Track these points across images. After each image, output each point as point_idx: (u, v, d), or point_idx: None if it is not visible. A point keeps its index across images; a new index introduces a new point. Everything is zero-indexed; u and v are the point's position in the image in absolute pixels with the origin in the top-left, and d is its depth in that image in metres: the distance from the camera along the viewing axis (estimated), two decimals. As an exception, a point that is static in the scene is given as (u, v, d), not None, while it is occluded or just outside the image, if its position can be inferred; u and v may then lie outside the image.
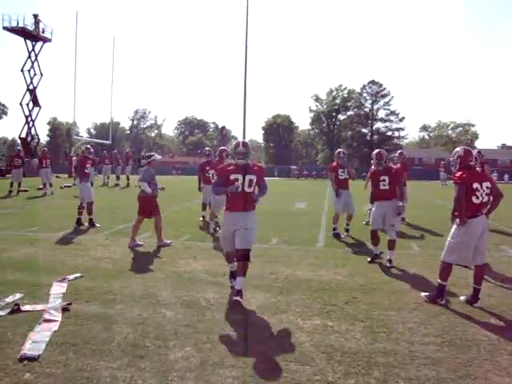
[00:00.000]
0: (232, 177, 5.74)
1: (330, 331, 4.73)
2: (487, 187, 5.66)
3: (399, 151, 13.48)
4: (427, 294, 5.85)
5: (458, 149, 6.00)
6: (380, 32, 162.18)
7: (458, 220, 5.59)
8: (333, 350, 4.26)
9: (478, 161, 10.62)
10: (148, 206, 9.20)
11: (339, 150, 11.24)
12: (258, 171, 5.91)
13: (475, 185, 5.59)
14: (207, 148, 13.30)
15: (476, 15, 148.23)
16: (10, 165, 21.77)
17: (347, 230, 10.54)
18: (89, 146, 12.09)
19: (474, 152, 12.02)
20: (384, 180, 7.89)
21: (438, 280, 5.78)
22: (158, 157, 9.55)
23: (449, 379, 3.76)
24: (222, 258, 7.87)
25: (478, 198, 5.58)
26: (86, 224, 11.19)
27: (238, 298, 5.47)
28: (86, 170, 11.47)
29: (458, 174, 5.67)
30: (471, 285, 5.78)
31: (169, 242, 9.32)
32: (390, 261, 7.59)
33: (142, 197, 9.18)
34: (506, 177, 50.44)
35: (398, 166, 12.37)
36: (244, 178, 5.75)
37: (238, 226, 5.73)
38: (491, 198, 5.78)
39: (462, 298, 5.84)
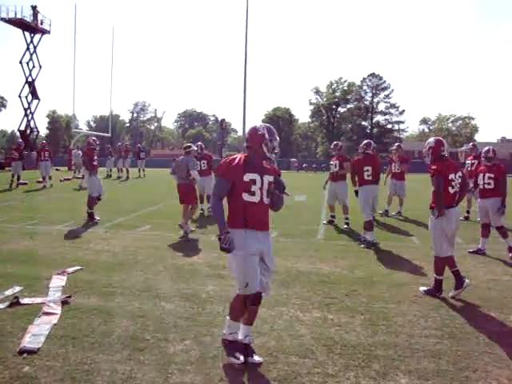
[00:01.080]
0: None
1: (330, 324, 4.73)
2: (460, 176, 5.76)
3: (397, 144, 13.43)
4: (425, 288, 5.86)
5: (430, 139, 6.02)
6: (380, 25, 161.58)
7: (435, 211, 5.63)
8: (333, 343, 4.26)
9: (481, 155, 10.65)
10: (188, 194, 9.67)
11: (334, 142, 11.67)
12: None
13: (451, 176, 5.67)
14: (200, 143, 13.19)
15: (477, 8, 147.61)
16: (9, 157, 21.69)
17: (347, 224, 10.54)
18: (95, 138, 11.99)
19: (470, 145, 12.15)
20: (368, 170, 8.86)
21: (435, 275, 5.80)
22: (194, 148, 10.32)
23: (449, 371, 3.76)
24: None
25: (453, 187, 5.68)
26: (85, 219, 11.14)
27: (259, 359, 3.94)
28: (94, 163, 11.40)
29: (434, 166, 5.69)
30: (433, 276, 5.85)
31: (192, 228, 9.82)
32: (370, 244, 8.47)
33: (183, 185, 9.63)
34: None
35: (396, 158, 12.40)
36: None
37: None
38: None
39: (421, 288, 5.89)
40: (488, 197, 7.87)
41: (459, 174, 5.79)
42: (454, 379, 3.64)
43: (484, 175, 8.01)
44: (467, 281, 5.66)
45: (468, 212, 12.02)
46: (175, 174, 9.80)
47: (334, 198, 11.07)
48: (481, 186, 8.05)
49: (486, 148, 8.17)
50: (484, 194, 7.98)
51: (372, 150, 9.06)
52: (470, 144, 12.61)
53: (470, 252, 7.99)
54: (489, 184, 7.89)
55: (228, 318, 4.09)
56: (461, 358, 4.00)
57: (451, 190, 5.67)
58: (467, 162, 12.01)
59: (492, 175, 7.88)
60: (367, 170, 8.87)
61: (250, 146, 3.94)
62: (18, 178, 20.22)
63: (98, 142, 11.90)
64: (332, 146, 11.44)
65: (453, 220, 5.68)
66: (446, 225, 5.63)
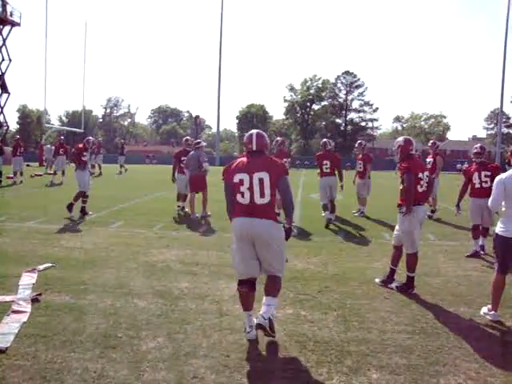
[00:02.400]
0: None
1: (303, 320, 4.76)
2: (427, 176, 5.90)
3: (359, 141, 13.29)
4: (397, 284, 5.92)
5: (399, 138, 6.15)
6: (355, 22, 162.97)
7: (404, 209, 5.72)
8: (306, 339, 4.28)
9: (432, 150, 11.23)
10: (199, 183, 11.25)
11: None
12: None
13: (420, 174, 5.79)
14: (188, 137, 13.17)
15: (449, 8, 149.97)
16: None
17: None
18: (90, 138, 12.44)
19: (430, 143, 12.28)
20: (326, 164, 10.63)
21: (407, 272, 5.87)
22: (203, 143, 12.37)
23: (419, 366, 3.82)
24: (194, 247, 7.86)
25: (421, 186, 5.80)
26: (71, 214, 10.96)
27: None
28: (84, 158, 11.46)
29: (405, 164, 5.78)
30: (406, 273, 5.92)
31: (209, 213, 11.31)
32: (329, 220, 9.68)
33: (195, 175, 11.19)
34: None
35: (360, 156, 12.44)
36: None
37: None
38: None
39: (393, 284, 5.94)
40: (485, 196, 6.70)
41: (426, 173, 5.92)
42: (424, 373, 3.70)
43: (480, 173, 7.72)
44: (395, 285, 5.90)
45: (432, 211, 11.94)
46: (188, 168, 11.37)
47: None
48: (477, 185, 7.72)
49: (476, 145, 8.11)
50: (480, 193, 7.54)
51: (329, 148, 10.89)
52: (430, 142, 12.60)
53: (467, 256, 7.66)
54: (486, 182, 7.57)
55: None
56: (431, 353, 4.06)
57: (420, 189, 5.78)
58: (427, 159, 11.94)
59: (489, 173, 7.57)
60: (326, 164, 10.64)
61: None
62: (0, 175, 19.43)
63: (92, 140, 12.47)
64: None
65: (419, 217, 5.80)
66: (412, 221, 5.74)
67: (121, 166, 28.07)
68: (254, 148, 4.42)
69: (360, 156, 12.44)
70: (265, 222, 4.22)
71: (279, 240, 4.37)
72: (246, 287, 4.34)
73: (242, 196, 4.27)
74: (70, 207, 10.90)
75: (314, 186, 15.74)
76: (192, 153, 11.39)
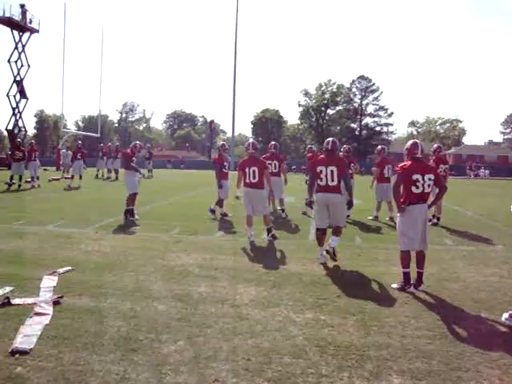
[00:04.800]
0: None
1: (323, 325, 4.75)
2: (430, 179, 6.06)
3: (380, 146, 13.24)
4: (396, 285, 6.08)
5: (408, 142, 6.47)
6: (370, 27, 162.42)
7: (400, 208, 6.11)
8: (326, 344, 4.28)
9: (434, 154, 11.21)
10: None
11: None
12: None
13: (415, 176, 6.01)
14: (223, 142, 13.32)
15: (465, 12, 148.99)
16: (11, 157, 21.11)
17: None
18: (137, 142, 12.65)
19: (435, 146, 11.98)
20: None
21: (401, 269, 6.11)
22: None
23: (441, 371, 3.79)
24: (213, 251, 7.89)
25: (417, 188, 6.01)
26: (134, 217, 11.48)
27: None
28: (133, 164, 11.77)
29: (401, 164, 6.19)
30: (416, 270, 6.13)
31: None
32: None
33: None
34: (487, 172, 50.39)
35: (379, 160, 12.37)
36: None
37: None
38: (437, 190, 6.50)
39: (394, 285, 6.11)
40: None
41: (429, 176, 6.06)
42: (446, 379, 3.67)
43: None
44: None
45: (433, 216, 11.33)
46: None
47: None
48: None
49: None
50: None
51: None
52: (434, 146, 12.08)
53: None
54: None
55: None
56: (452, 359, 4.03)
57: (415, 190, 6.01)
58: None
59: None
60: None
61: None
62: (20, 179, 19.57)
63: (142, 146, 12.95)
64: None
65: (414, 216, 6.04)
66: (406, 220, 6.08)
67: (149, 171, 28.74)
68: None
69: (379, 160, 12.36)
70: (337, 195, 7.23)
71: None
72: (321, 232, 7.37)
73: (321, 180, 7.19)
74: (130, 213, 11.39)
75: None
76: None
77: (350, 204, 7.53)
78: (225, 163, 12.04)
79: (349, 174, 7.91)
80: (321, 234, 7.33)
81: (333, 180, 7.15)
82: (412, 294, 5.78)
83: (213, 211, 12.03)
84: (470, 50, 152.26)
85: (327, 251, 7.19)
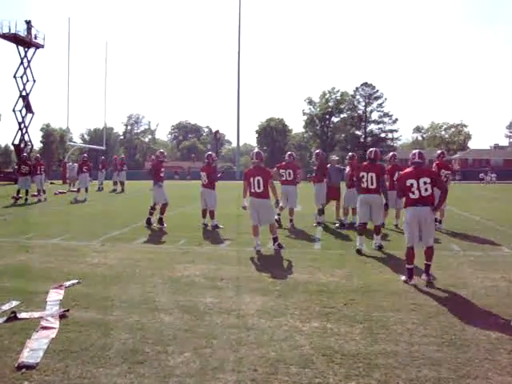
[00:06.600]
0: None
1: (330, 333, 4.72)
2: (425, 182, 6.60)
3: (391, 153, 13.23)
4: (404, 276, 6.72)
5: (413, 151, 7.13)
6: (373, 34, 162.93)
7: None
8: (333, 353, 4.25)
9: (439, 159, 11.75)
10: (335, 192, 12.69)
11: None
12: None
13: (409, 181, 6.66)
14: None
15: (470, 17, 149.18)
16: (18, 171, 21.19)
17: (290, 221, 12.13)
18: (162, 151, 13.11)
19: (438, 152, 12.09)
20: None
21: (406, 265, 6.72)
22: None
23: (449, 379, 3.75)
24: (218, 262, 7.88)
25: (413, 192, 6.62)
26: (157, 224, 11.98)
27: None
28: (161, 174, 12.21)
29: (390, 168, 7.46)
30: (424, 262, 6.73)
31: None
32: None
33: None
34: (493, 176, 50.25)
35: (389, 167, 12.32)
36: None
37: None
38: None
39: (402, 277, 6.77)
40: None
41: (425, 179, 6.60)
42: (455, 387, 3.64)
43: None
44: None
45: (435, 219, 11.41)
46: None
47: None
48: None
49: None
50: None
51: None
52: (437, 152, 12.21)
53: None
54: None
55: None
56: (461, 366, 3.99)
57: (411, 194, 6.65)
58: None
59: None
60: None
61: None
62: (27, 193, 19.60)
63: (165, 154, 13.10)
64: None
65: (413, 216, 6.61)
66: (407, 220, 6.75)
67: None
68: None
69: (390, 167, 12.31)
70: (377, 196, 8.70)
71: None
72: (362, 226, 8.83)
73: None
74: (161, 222, 11.86)
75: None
76: (329, 166, 12.82)
77: (386, 206, 8.82)
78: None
79: (384, 180, 9.00)
80: (362, 227, 8.83)
81: (372, 183, 8.64)
82: (418, 296, 5.72)
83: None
84: (473, 54, 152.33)
85: (379, 247, 8.95)
